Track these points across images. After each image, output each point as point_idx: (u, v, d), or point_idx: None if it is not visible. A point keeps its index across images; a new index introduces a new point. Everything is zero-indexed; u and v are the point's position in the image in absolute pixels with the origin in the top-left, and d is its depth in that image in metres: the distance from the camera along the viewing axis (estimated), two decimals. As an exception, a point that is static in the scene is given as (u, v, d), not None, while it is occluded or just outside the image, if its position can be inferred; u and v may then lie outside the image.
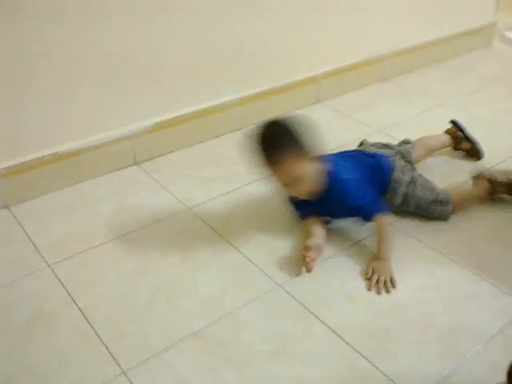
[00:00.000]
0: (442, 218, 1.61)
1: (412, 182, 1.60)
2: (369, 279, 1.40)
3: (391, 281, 1.39)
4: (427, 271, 1.44)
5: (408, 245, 1.52)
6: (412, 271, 1.43)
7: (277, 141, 1.40)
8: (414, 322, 1.30)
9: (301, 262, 1.44)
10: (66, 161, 1.76)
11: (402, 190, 1.58)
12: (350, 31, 2.34)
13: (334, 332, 1.27)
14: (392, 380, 1.16)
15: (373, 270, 1.42)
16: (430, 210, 1.60)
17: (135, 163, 1.92)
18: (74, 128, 1.76)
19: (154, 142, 1.93)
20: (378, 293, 1.37)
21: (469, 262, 1.46)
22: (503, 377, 0.88)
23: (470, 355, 1.21)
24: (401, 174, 1.60)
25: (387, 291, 1.38)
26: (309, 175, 1.42)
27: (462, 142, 1.93)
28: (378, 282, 1.39)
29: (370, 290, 1.38)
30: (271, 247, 1.53)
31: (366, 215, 1.51)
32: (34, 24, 1.56)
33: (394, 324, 1.30)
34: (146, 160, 1.93)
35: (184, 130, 1.98)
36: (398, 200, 1.59)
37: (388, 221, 1.51)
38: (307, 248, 1.44)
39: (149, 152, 1.93)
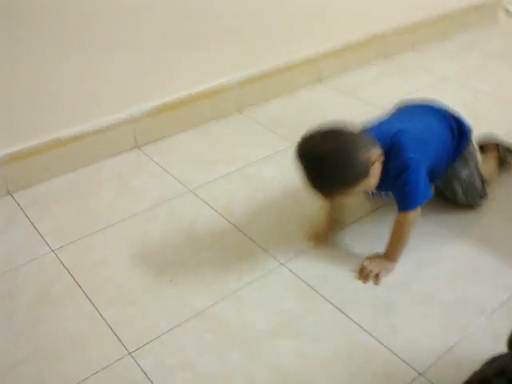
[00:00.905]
0: (474, 207, 1.55)
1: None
2: (361, 270, 1.36)
3: (377, 275, 1.34)
4: (431, 246, 1.44)
5: (417, 218, 1.51)
6: (416, 246, 1.42)
7: (325, 175, 1.21)
8: (418, 297, 1.30)
9: (311, 236, 1.46)
10: (67, 146, 1.76)
11: (472, 165, 1.48)
12: (352, 8, 2.31)
13: (338, 308, 1.27)
14: (396, 354, 1.16)
15: (370, 263, 1.36)
16: (473, 201, 1.53)
17: (136, 146, 1.91)
18: (74, 113, 1.76)
19: (155, 124, 1.92)
20: (364, 282, 1.34)
21: (472, 237, 1.46)
22: (505, 349, 0.88)
23: (474, 328, 1.21)
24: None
25: (374, 283, 1.34)
26: (369, 185, 1.28)
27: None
28: (369, 273, 1.34)
29: (359, 278, 1.35)
30: (274, 227, 1.53)
31: (401, 205, 1.33)
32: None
33: (398, 299, 1.29)
34: (147, 143, 1.93)
35: (185, 112, 1.98)
36: (464, 174, 1.47)
37: (413, 220, 1.34)
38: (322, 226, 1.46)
39: (150, 135, 1.93)
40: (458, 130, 1.46)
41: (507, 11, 2.96)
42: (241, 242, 1.48)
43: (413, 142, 1.30)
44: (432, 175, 1.39)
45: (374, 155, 1.24)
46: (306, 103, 2.17)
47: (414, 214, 1.33)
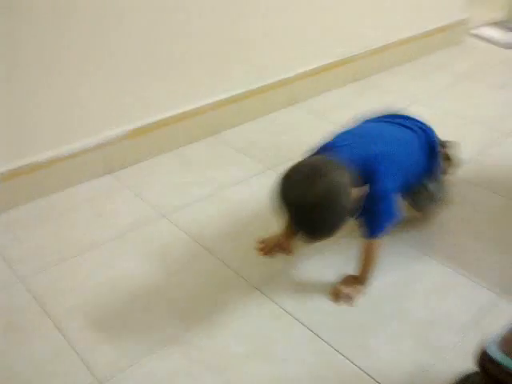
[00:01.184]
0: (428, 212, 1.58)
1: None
2: (334, 292, 1.36)
3: (348, 296, 1.34)
4: (401, 265, 1.45)
5: (385, 241, 1.52)
6: (387, 266, 1.43)
7: (315, 224, 1.20)
8: (390, 317, 1.30)
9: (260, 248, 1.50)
10: (37, 171, 1.73)
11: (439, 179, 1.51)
12: (325, 32, 2.35)
13: (311, 330, 1.27)
14: (369, 375, 1.16)
15: (342, 285, 1.36)
16: (431, 205, 1.56)
17: (109, 172, 1.90)
18: (45, 138, 1.74)
19: (128, 149, 1.91)
20: (335, 301, 1.34)
21: (441, 255, 1.47)
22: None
23: (446, 346, 1.21)
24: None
25: (348, 304, 1.34)
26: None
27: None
28: (342, 294, 1.34)
29: (332, 300, 1.35)
30: (248, 251, 1.52)
31: (368, 232, 1.32)
32: None
33: (371, 319, 1.30)
34: (120, 168, 1.91)
35: (158, 136, 1.97)
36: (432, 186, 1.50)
37: (379, 245, 1.34)
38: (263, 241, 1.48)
39: (122, 160, 1.92)
40: (427, 143, 1.47)
41: (477, 34, 3.04)
42: (214, 267, 1.48)
43: (386, 169, 1.28)
44: (404, 188, 1.41)
45: (359, 192, 1.23)
46: (280, 126, 2.19)
47: (378, 243, 1.33)
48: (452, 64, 2.72)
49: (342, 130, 1.43)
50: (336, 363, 1.19)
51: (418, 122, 1.51)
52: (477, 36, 3.05)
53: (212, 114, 2.10)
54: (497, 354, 0.69)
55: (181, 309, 1.35)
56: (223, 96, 2.11)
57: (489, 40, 2.99)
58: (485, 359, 0.70)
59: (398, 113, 1.56)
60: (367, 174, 1.25)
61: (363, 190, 1.25)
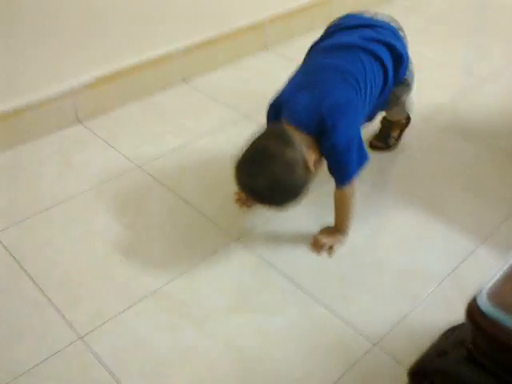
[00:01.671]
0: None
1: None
2: (315, 243, 1.36)
3: (331, 247, 1.35)
4: (380, 216, 1.46)
5: (361, 191, 1.52)
6: (365, 217, 1.44)
7: (270, 203, 1.26)
8: (370, 267, 1.32)
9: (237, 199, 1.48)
10: (3, 122, 1.65)
11: (404, 97, 1.48)
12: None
13: (292, 281, 1.28)
14: (351, 324, 1.18)
15: (322, 236, 1.36)
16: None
17: (78, 121, 1.82)
18: (9, 86, 1.65)
19: (97, 97, 1.83)
20: (318, 255, 1.35)
21: (421, 206, 1.48)
22: (456, 316, 0.90)
23: (426, 296, 1.24)
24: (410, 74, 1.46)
25: (328, 255, 1.34)
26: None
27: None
28: (322, 245, 1.35)
29: (312, 251, 1.35)
30: (226, 201, 1.50)
31: (337, 182, 1.31)
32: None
33: (351, 270, 1.31)
34: (90, 117, 1.84)
35: (127, 83, 1.89)
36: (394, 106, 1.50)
37: (351, 193, 1.32)
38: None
39: (92, 108, 1.84)
40: (393, 57, 1.38)
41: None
42: (193, 218, 1.45)
43: (342, 119, 1.24)
44: (372, 114, 1.44)
45: (310, 158, 1.22)
46: (252, 71, 2.12)
47: (351, 188, 1.31)
48: (426, 7, 2.67)
49: (294, 74, 1.36)
50: (317, 314, 1.20)
51: (382, 28, 1.42)
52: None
53: (183, 59, 2.02)
54: (486, 306, 0.69)
55: (160, 262, 1.33)
56: (193, 40, 2.03)
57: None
58: (474, 312, 0.70)
59: (361, 20, 1.46)
60: (323, 129, 1.23)
61: (316, 150, 1.24)
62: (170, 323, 1.19)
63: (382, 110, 1.51)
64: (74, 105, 1.79)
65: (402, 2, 2.70)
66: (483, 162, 1.63)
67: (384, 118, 1.65)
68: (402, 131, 1.67)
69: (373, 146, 1.65)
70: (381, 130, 1.66)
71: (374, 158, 1.64)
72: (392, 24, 1.47)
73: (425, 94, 1.95)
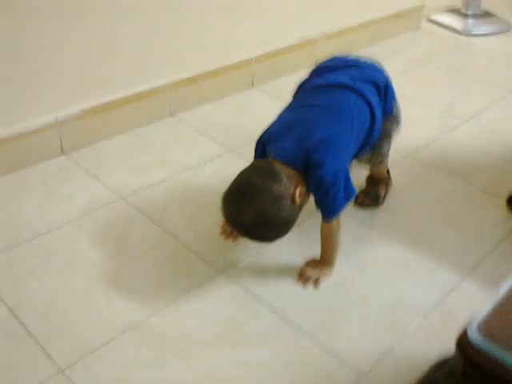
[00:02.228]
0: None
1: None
2: (301, 275, 1.35)
3: (317, 280, 1.34)
4: (366, 250, 1.46)
5: (347, 225, 1.52)
6: (351, 250, 1.44)
7: (258, 238, 1.28)
8: (356, 300, 1.31)
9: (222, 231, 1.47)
10: (-14, 152, 1.65)
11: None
12: (283, 14, 2.32)
13: (277, 314, 1.26)
14: (337, 357, 1.16)
15: (308, 268, 1.36)
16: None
17: (63, 153, 1.82)
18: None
19: (83, 129, 1.83)
20: (303, 287, 1.33)
21: (406, 240, 1.49)
22: (443, 348, 0.90)
23: (411, 329, 1.23)
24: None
25: (314, 287, 1.34)
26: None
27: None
28: (308, 278, 1.34)
29: (298, 283, 1.34)
30: (210, 234, 1.49)
31: (323, 215, 1.31)
32: None
33: (337, 303, 1.30)
34: (75, 148, 1.83)
35: (114, 116, 1.90)
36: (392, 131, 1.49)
37: (337, 226, 1.33)
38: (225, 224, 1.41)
39: (77, 140, 1.84)
40: (378, 92, 1.42)
41: (432, 20, 3.08)
42: (176, 250, 1.44)
43: (329, 154, 1.25)
44: (362, 150, 1.42)
45: (296, 192, 1.22)
46: (239, 107, 2.15)
47: (337, 221, 1.31)
48: (409, 49, 2.75)
49: (282, 112, 1.38)
50: (303, 347, 1.19)
51: (363, 68, 1.47)
52: (434, 22, 3.09)
53: (171, 93, 2.04)
54: (477, 338, 0.69)
55: (143, 294, 1.31)
56: (182, 76, 2.06)
57: (445, 26, 3.03)
58: (465, 344, 0.69)
59: (346, 61, 1.52)
60: (310, 164, 1.24)
61: (303, 185, 1.25)
62: (154, 356, 1.16)
63: (371, 146, 1.46)
64: (59, 136, 1.79)
65: (386, 45, 2.79)
66: (465, 198, 1.66)
67: (369, 177, 1.63)
68: (387, 187, 1.65)
69: (362, 204, 1.60)
70: (368, 188, 1.63)
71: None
72: (374, 63, 1.53)
73: (407, 133, 1.97)
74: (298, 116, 1.34)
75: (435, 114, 2.16)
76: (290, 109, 1.40)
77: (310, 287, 1.33)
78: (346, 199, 1.29)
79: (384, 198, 1.63)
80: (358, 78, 1.41)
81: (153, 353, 1.17)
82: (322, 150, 1.25)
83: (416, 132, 1.98)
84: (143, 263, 1.40)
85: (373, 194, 1.61)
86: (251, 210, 1.18)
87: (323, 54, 2.52)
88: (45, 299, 1.29)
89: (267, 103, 2.19)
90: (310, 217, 1.40)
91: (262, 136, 1.35)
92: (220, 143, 1.90)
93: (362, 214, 1.58)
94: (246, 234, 1.26)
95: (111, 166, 1.77)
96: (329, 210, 1.29)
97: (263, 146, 1.34)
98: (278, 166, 1.23)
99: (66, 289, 1.32)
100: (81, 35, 1.74)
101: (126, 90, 1.92)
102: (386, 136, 1.47)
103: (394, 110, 1.49)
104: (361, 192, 1.60)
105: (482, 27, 2.97)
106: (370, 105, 1.38)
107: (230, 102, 2.19)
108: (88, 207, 1.58)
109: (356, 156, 1.42)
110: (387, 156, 1.55)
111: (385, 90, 1.44)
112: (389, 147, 1.51)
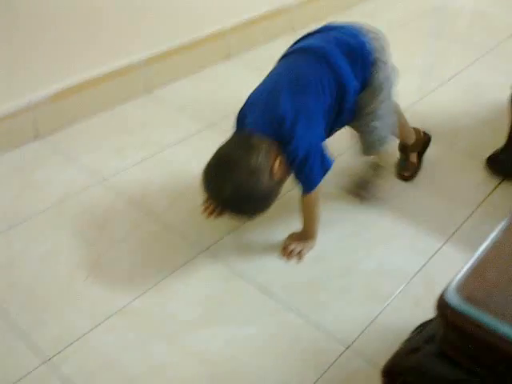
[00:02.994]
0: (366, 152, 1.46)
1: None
2: (284, 249, 1.36)
3: (300, 252, 1.34)
4: (347, 219, 1.46)
5: (326, 195, 1.52)
6: (333, 221, 1.44)
7: (240, 213, 1.27)
8: (339, 270, 1.31)
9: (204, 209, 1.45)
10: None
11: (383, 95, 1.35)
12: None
13: (262, 290, 1.27)
14: (322, 329, 1.17)
15: (291, 241, 1.36)
16: (372, 144, 1.42)
17: (38, 136, 1.78)
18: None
19: (57, 111, 1.80)
20: (287, 260, 1.34)
21: (387, 207, 1.49)
22: (426, 313, 0.91)
23: (395, 295, 1.24)
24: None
25: (298, 260, 1.34)
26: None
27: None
28: (291, 251, 1.34)
29: (282, 257, 1.35)
30: (192, 213, 1.48)
31: (301, 189, 1.30)
32: None
33: (320, 274, 1.31)
34: (50, 132, 1.80)
35: (89, 96, 1.86)
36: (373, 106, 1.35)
37: (316, 198, 1.31)
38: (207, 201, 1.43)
39: (52, 123, 1.80)
40: (355, 60, 1.32)
41: None
42: (158, 232, 1.43)
43: (300, 126, 1.22)
44: (339, 123, 1.37)
45: (275, 164, 1.20)
46: (216, 81, 2.12)
47: (316, 193, 1.30)
48: (385, 13, 2.71)
49: (260, 83, 1.35)
50: (289, 321, 1.19)
51: (343, 32, 1.40)
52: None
53: (144, 70, 2.00)
54: (455, 300, 0.69)
55: (126, 277, 1.31)
56: (155, 51, 2.01)
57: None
58: (443, 306, 0.70)
59: (327, 27, 1.46)
60: (283, 137, 1.22)
61: (284, 156, 1.23)
62: (140, 340, 1.16)
63: (349, 122, 1.42)
64: (33, 120, 1.75)
65: (362, 9, 2.75)
66: (445, 162, 1.66)
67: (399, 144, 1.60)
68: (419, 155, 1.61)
69: (406, 179, 1.58)
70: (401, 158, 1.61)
71: (337, 161, 1.65)
72: (359, 28, 1.41)
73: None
74: (268, 86, 1.32)
75: (413, 78, 2.14)
76: (266, 79, 1.37)
77: (294, 260, 1.34)
78: (323, 171, 1.28)
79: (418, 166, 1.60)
80: (334, 42, 1.34)
81: (139, 336, 1.17)
82: (291, 120, 1.22)
83: (400, 99, 1.96)
84: (126, 246, 1.39)
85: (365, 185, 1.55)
86: (229, 184, 1.17)
87: (299, 21, 2.50)
88: (27, 288, 1.28)
89: (245, 75, 2.15)
90: (290, 189, 1.39)
91: (240, 109, 1.33)
92: (198, 119, 1.88)
93: (340, 182, 1.57)
94: (226, 208, 1.26)
95: (88, 149, 1.74)
96: (306, 183, 1.29)
97: (241, 118, 1.32)
98: (256, 138, 1.22)
99: (48, 277, 1.31)
100: (49, 15, 1.69)
101: (99, 69, 1.87)
102: (368, 112, 1.36)
103: (372, 81, 1.35)
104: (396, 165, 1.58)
105: (458, -14, 2.93)
106: (338, 72, 1.30)
107: (206, 76, 2.15)
108: (67, 192, 1.56)
109: (334, 129, 1.38)
110: (386, 135, 1.42)
111: (362, 57, 1.34)
112: (383, 125, 1.39)
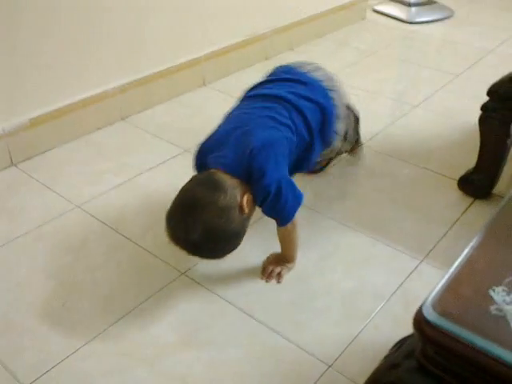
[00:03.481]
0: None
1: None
2: (264, 270, 1.36)
3: (279, 274, 1.34)
4: (326, 240, 1.47)
5: (304, 217, 1.53)
6: (312, 241, 1.45)
7: (208, 255, 1.23)
8: (319, 290, 1.32)
9: None
10: None
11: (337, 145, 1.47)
12: (231, 11, 2.31)
13: (243, 311, 1.26)
14: (304, 350, 1.17)
15: (270, 263, 1.36)
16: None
17: (12, 164, 1.77)
18: None
19: (32, 139, 1.79)
20: (267, 282, 1.34)
21: (364, 227, 1.51)
22: (406, 330, 0.92)
23: (374, 313, 1.25)
24: (341, 122, 1.46)
25: (277, 281, 1.34)
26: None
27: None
28: (271, 272, 1.34)
29: (262, 279, 1.34)
30: (170, 236, 1.48)
31: (277, 222, 1.29)
32: None
33: (300, 295, 1.31)
34: (25, 159, 1.79)
35: (63, 123, 1.86)
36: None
37: (293, 228, 1.30)
38: None
39: (27, 151, 1.79)
40: (321, 117, 1.39)
41: (376, 10, 3.13)
42: (137, 256, 1.42)
43: (267, 159, 1.21)
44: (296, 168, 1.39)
45: (244, 200, 1.19)
46: (192, 107, 2.14)
47: (293, 223, 1.28)
48: (356, 40, 2.79)
49: (222, 121, 1.36)
50: (270, 341, 1.19)
51: (313, 87, 1.43)
52: (378, 12, 3.14)
53: (120, 97, 2.01)
54: (432, 316, 0.70)
55: (105, 303, 1.29)
56: (131, 78, 2.03)
57: (390, 16, 3.09)
58: (421, 321, 0.71)
59: (296, 75, 1.46)
60: (252, 172, 1.20)
61: (249, 195, 1.21)
62: (120, 364, 1.15)
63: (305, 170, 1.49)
64: (7, 147, 1.74)
65: (333, 36, 2.82)
66: (419, 183, 1.69)
67: None
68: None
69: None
70: None
71: (314, 184, 1.67)
72: (325, 83, 1.46)
73: (365, 125, 2.01)
74: (237, 123, 1.31)
75: (385, 102, 2.20)
76: (229, 117, 1.37)
77: (273, 282, 1.34)
78: (297, 204, 1.26)
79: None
80: (302, 95, 1.38)
81: (118, 361, 1.15)
82: (262, 156, 1.21)
83: (368, 121, 2.00)
84: (104, 271, 1.37)
85: None
86: (199, 226, 1.12)
87: (273, 49, 2.56)
88: (3, 315, 1.25)
89: (220, 101, 2.18)
90: (254, 222, 1.39)
91: (200, 146, 1.31)
92: (174, 144, 1.89)
93: (321, 204, 1.59)
94: (197, 252, 1.20)
95: (64, 175, 1.73)
96: (281, 218, 1.27)
97: (202, 157, 1.29)
98: (222, 176, 1.18)
99: (24, 303, 1.28)
100: (23, 41, 1.69)
101: (75, 96, 1.88)
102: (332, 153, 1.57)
103: (334, 142, 1.46)
104: None
105: (426, 14, 3.04)
106: (308, 123, 1.35)
107: (182, 102, 2.17)
108: (43, 218, 1.54)
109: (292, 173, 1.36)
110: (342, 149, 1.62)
111: (327, 118, 1.41)
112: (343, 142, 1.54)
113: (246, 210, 1.19)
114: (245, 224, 1.22)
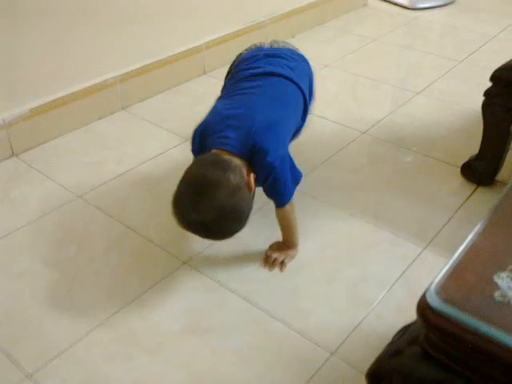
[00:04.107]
0: None
1: None
2: (266, 259, 1.36)
3: (282, 262, 1.34)
4: (328, 227, 1.47)
5: (305, 204, 1.53)
6: (315, 229, 1.45)
7: (219, 235, 1.20)
8: (321, 278, 1.32)
9: None
10: None
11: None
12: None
13: (246, 300, 1.26)
14: (307, 336, 1.17)
15: (273, 251, 1.36)
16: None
17: (13, 154, 1.76)
18: None
19: (33, 129, 1.78)
20: (270, 270, 1.34)
21: (366, 215, 1.51)
22: (409, 318, 0.91)
23: (377, 301, 1.25)
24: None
25: (280, 270, 1.34)
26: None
27: None
28: (274, 261, 1.34)
29: (264, 267, 1.34)
30: (172, 226, 1.45)
31: (276, 203, 1.30)
32: None
33: (303, 283, 1.31)
34: (26, 150, 1.78)
35: (64, 113, 1.85)
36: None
37: (291, 209, 1.31)
38: None
39: (27, 141, 1.78)
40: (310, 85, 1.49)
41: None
42: (139, 245, 1.42)
43: (270, 138, 1.23)
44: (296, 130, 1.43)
45: (250, 178, 1.18)
46: (192, 96, 2.13)
47: (291, 204, 1.30)
48: (358, 27, 2.77)
49: (218, 101, 1.37)
50: (274, 330, 1.19)
51: (296, 60, 1.48)
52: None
53: (121, 86, 2.00)
54: (435, 302, 0.70)
55: (109, 291, 1.29)
56: (131, 67, 2.02)
57: (391, 2, 3.06)
58: (425, 307, 0.71)
59: (275, 51, 1.49)
60: (254, 151, 1.21)
61: (252, 174, 1.21)
62: (123, 353, 1.15)
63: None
64: (8, 138, 1.73)
65: (334, 24, 2.80)
66: (422, 170, 1.69)
67: None
68: None
69: None
70: None
71: (316, 171, 1.67)
72: (294, 49, 1.54)
73: (362, 110, 2.01)
74: (239, 103, 1.31)
75: (387, 90, 2.18)
76: (226, 97, 1.36)
77: (276, 270, 1.34)
78: (296, 184, 1.28)
79: None
80: (294, 69, 1.42)
81: (122, 350, 1.15)
82: (267, 135, 1.22)
83: (370, 108, 2.00)
84: (106, 261, 1.37)
85: None
86: (213, 206, 1.10)
87: (274, 36, 2.53)
88: (6, 305, 1.25)
89: (220, 89, 2.16)
90: (267, 201, 1.40)
91: (199, 128, 1.31)
92: (175, 133, 1.88)
93: (323, 192, 1.59)
94: (209, 233, 1.18)
95: (66, 165, 1.72)
96: (281, 198, 1.28)
97: (202, 138, 1.29)
98: (227, 156, 1.18)
99: (27, 292, 1.28)
100: (24, 33, 1.68)
101: (75, 86, 1.87)
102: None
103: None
104: None
105: (428, 0, 3.01)
106: (303, 95, 1.40)
107: (182, 91, 2.16)
108: (45, 209, 1.54)
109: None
110: None
111: (311, 81, 1.51)
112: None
113: (253, 188, 1.20)
114: (252, 202, 1.21)
